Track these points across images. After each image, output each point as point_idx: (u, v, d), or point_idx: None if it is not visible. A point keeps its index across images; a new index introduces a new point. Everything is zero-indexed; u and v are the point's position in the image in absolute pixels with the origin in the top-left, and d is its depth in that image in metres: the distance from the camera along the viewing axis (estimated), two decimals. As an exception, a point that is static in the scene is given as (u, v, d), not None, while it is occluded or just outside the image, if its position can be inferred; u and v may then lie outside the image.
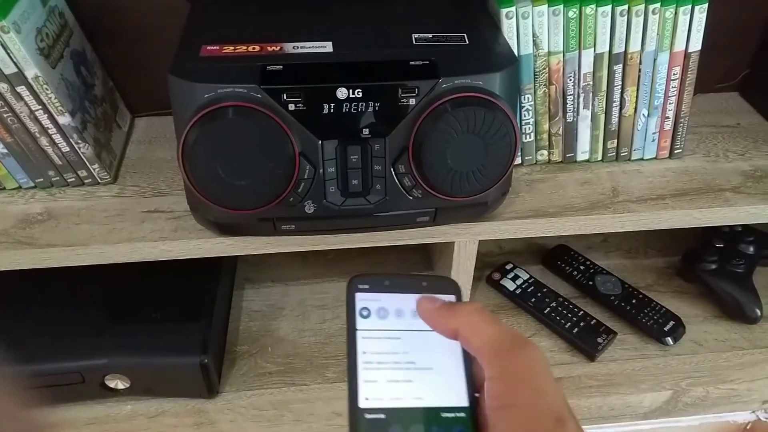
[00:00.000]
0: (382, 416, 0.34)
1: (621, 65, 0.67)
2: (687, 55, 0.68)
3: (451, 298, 0.38)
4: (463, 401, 0.35)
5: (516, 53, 0.64)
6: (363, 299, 0.38)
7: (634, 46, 0.66)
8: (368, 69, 0.55)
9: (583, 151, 0.73)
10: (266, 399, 0.75)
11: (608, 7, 0.64)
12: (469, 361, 0.36)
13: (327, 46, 0.58)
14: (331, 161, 0.57)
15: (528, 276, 0.88)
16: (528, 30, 0.64)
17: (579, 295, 0.88)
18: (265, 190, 0.55)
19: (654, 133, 0.73)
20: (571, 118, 0.70)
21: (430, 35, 0.60)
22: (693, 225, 0.70)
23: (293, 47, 0.58)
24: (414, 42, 0.59)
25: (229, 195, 0.55)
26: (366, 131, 0.56)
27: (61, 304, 0.74)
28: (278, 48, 0.58)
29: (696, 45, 0.67)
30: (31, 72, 0.60)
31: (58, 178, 0.69)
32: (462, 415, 0.34)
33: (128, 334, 0.71)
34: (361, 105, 0.54)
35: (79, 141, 0.66)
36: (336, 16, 0.65)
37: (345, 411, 0.34)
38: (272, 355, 0.80)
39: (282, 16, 0.64)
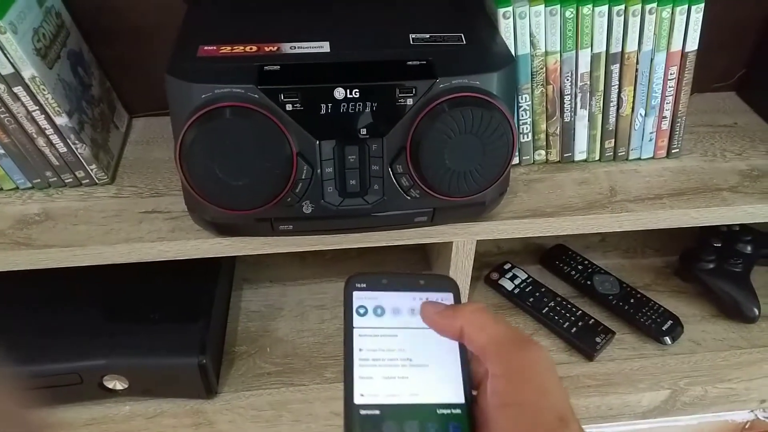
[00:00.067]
0: (377, 412, 0.34)
1: (618, 65, 0.67)
2: (684, 54, 0.68)
3: (449, 295, 0.39)
4: (459, 398, 0.35)
5: (513, 53, 0.64)
6: (360, 297, 0.38)
7: (631, 45, 0.66)
8: (365, 69, 0.55)
9: (580, 150, 0.73)
10: (265, 399, 0.75)
11: (605, 7, 0.64)
12: (466, 357, 0.36)
13: (324, 47, 0.58)
14: (329, 161, 0.57)
15: (526, 276, 0.88)
16: (525, 30, 0.64)
17: (577, 295, 0.88)
18: (262, 191, 0.55)
19: (651, 133, 0.73)
20: (569, 118, 0.71)
21: (428, 35, 0.60)
22: (691, 224, 0.70)
23: (290, 47, 0.58)
24: (411, 42, 0.59)
25: (226, 195, 0.55)
26: (363, 131, 0.56)
27: (59, 305, 0.74)
28: (275, 48, 0.58)
29: (693, 45, 0.67)
30: (27, 72, 0.60)
31: (55, 178, 0.69)
32: (458, 411, 0.35)
33: (126, 334, 0.71)
34: (359, 105, 0.54)
35: (77, 141, 0.66)
36: (333, 16, 0.65)
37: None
38: (271, 356, 0.80)
39: (279, 17, 0.64)
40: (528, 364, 0.33)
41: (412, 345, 0.37)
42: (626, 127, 0.72)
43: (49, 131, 0.65)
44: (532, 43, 0.65)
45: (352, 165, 0.57)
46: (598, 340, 0.80)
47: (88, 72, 0.74)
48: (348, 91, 0.54)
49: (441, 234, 0.66)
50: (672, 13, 0.65)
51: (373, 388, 0.35)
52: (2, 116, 0.63)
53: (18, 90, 0.61)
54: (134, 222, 0.66)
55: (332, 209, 0.59)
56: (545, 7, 0.63)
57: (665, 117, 0.72)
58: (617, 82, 0.68)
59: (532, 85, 0.68)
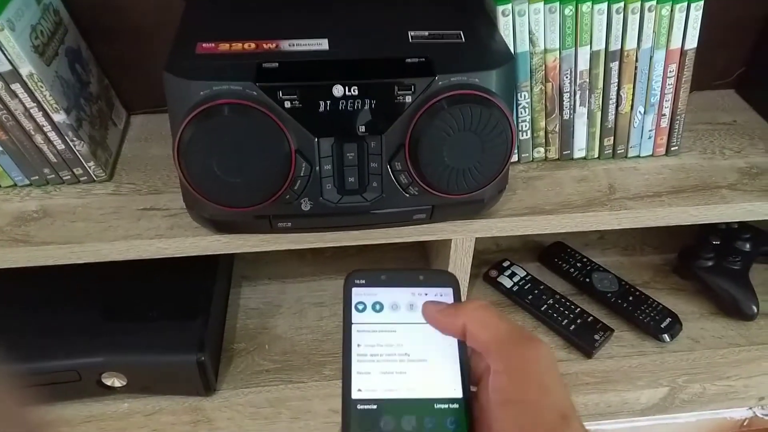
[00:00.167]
0: (374, 407, 0.34)
1: (617, 63, 0.67)
2: (683, 52, 0.68)
3: (449, 290, 0.39)
4: (457, 392, 0.35)
5: (512, 51, 0.64)
6: (359, 294, 0.38)
7: (631, 43, 0.66)
8: (364, 66, 0.55)
9: (579, 148, 0.73)
10: (263, 396, 0.75)
11: (604, 5, 0.64)
12: (464, 353, 0.37)
13: (323, 44, 0.58)
14: (328, 159, 0.57)
15: (525, 273, 0.88)
16: (524, 27, 0.64)
17: (576, 292, 0.88)
18: (261, 188, 0.55)
19: (650, 131, 0.73)
20: (568, 116, 0.70)
21: (426, 33, 0.60)
22: (689, 222, 0.70)
23: (289, 45, 0.58)
24: (410, 39, 0.59)
25: (225, 192, 0.55)
26: (362, 129, 0.56)
27: (58, 302, 0.74)
28: (274, 45, 0.57)
29: (692, 42, 0.67)
30: (25, 69, 0.60)
31: (53, 175, 0.69)
32: (455, 406, 0.35)
33: (125, 332, 0.71)
34: (357, 102, 0.54)
35: (75, 138, 0.66)
36: (332, 13, 0.65)
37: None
38: (269, 353, 0.80)
39: (278, 14, 0.64)
40: (530, 361, 0.33)
41: (411, 340, 0.37)
42: (625, 124, 0.72)
43: (47, 128, 0.65)
44: (531, 41, 0.65)
45: (350, 162, 0.57)
46: (596, 337, 0.80)
47: (86, 69, 0.74)
48: (347, 88, 0.53)
49: (440, 231, 0.66)
50: (671, 10, 0.65)
51: (371, 383, 0.35)
52: (0, 113, 0.62)
53: (16, 87, 0.61)
54: (132, 219, 0.66)
55: (331, 206, 0.59)
56: (544, 4, 0.63)
57: (664, 115, 0.72)
58: (616, 80, 0.68)
59: (531, 83, 0.68)
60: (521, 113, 0.69)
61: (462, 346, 0.37)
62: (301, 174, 0.56)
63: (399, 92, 0.54)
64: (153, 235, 0.64)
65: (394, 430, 0.34)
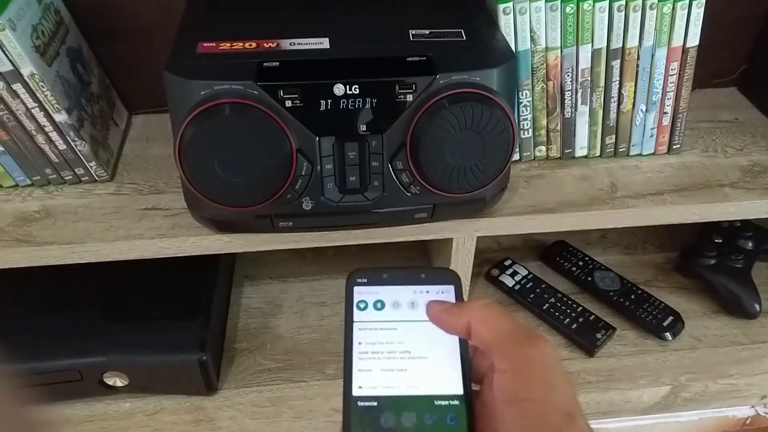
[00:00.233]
0: (375, 404, 0.34)
1: (619, 61, 0.67)
2: (685, 50, 0.67)
3: (450, 288, 0.39)
4: (458, 389, 0.35)
5: (513, 49, 0.64)
6: (361, 292, 0.38)
7: (632, 41, 0.66)
8: (365, 65, 0.55)
9: (581, 146, 0.73)
10: (265, 396, 0.75)
11: (605, 3, 0.64)
12: (465, 350, 0.37)
13: (324, 43, 0.58)
14: (329, 158, 0.56)
15: (527, 272, 0.88)
16: (525, 26, 0.64)
17: (578, 291, 0.88)
18: (262, 187, 0.55)
19: (652, 129, 0.73)
20: (569, 114, 0.70)
21: (428, 31, 0.60)
22: (691, 220, 0.70)
23: (290, 44, 0.58)
24: (411, 38, 0.59)
25: (226, 192, 0.55)
26: (363, 128, 0.56)
27: (59, 302, 0.74)
28: (275, 44, 0.57)
29: (694, 40, 0.67)
30: (26, 69, 0.60)
31: (55, 175, 0.69)
32: (456, 402, 0.35)
33: (126, 331, 0.71)
34: (358, 101, 0.54)
35: (76, 138, 0.66)
36: (333, 12, 0.65)
37: None
38: (271, 352, 0.80)
39: (278, 13, 0.64)
40: (535, 359, 0.33)
41: (412, 338, 0.37)
42: (627, 123, 0.72)
43: (49, 128, 0.65)
44: (532, 39, 0.65)
45: (351, 161, 0.57)
46: (598, 336, 0.80)
47: (88, 69, 0.74)
48: (348, 87, 0.53)
49: (441, 230, 0.66)
50: (673, 8, 0.64)
51: (372, 380, 0.35)
52: (1, 113, 0.63)
53: (17, 87, 0.61)
54: (134, 219, 0.66)
55: (332, 206, 0.59)
56: (545, 2, 0.63)
57: (666, 113, 0.72)
58: (618, 78, 0.68)
59: (532, 81, 0.68)
60: (523, 112, 0.69)
61: (463, 343, 0.37)
62: (303, 173, 0.56)
63: (400, 91, 0.54)
64: (154, 234, 0.64)
65: (394, 426, 0.34)
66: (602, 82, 0.68)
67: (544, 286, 0.86)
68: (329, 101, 0.54)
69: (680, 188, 0.70)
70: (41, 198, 0.69)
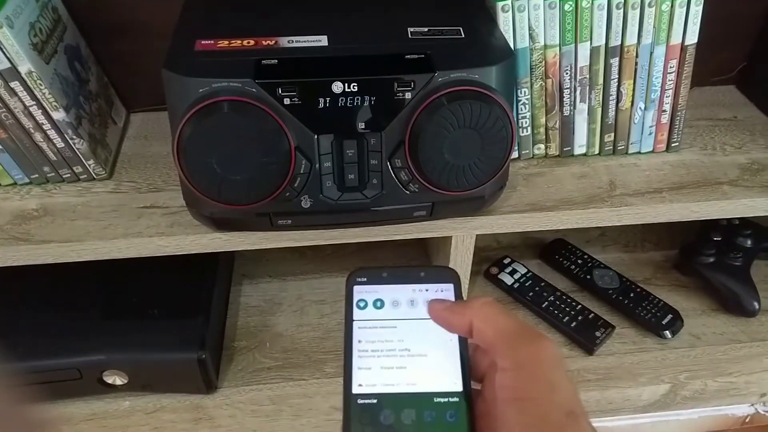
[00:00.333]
0: (374, 401, 0.35)
1: (617, 58, 0.67)
2: (683, 48, 0.67)
3: (449, 286, 0.39)
4: (457, 386, 0.35)
5: (512, 47, 0.64)
6: (360, 291, 0.39)
7: (631, 39, 0.66)
8: (364, 63, 0.55)
9: (580, 144, 0.73)
10: (265, 394, 0.75)
11: (604, 0, 0.64)
12: (465, 347, 0.37)
13: (322, 40, 0.58)
14: (327, 156, 0.56)
15: (526, 270, 0.88)
16: (524, 23, 0.64)
17: (577, 289, 0.88)
18: (260, 185, 0.55)
19: (651, 127, 0.73)
20: (568, 112, 0.70)
21: (426, 29, 0.60)
22: (690, 218, 0.70)
23: (288, 41, 0.58)
24: (410, 36, 0.59)
25: (224, 190, 0.55)
26: (362, 125, 0.55)
27: (58, 301, 0.74)
28: (273, 42, 0.57)
29: (692, 38, 0.67)
30: (24, 67, 0.60)
31: (53, 174, 0.69)
32: (455, 399, 0.35)
33: (126, 330, 0.71)
34: (357, 99, 0.54)
35: (74, 137, 0.66)
36: (331, 9, 0.65)
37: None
38: (270, 351, 0.80)
39: (277, 10, 0.64)
40: (537, 358, 0.33)
41: (411, 336, 0.37)
42: (626, 120, 0.72)
43: (47, 126, 0.65)
44: (531, 37, 0.65)
45: (350, 159, 0.57)
46: (597, 334, 0.80)
47: (86, 67, 0.73)
48: (346, 85, 0.53)
49: (440, 228, 0.66)
50: (671, 6, 0.64)
51: (371, 378, 0.36)
52: (-1, 111, 0.63)
53: (15, 85, 0.61)
54: (132, 217, 0.66)
55: (331, 204, 0.59)
56: (544, 0, 0.63)
57: (665, 111, 0.72)
58: (617, 76, 0.68)
59: (531, 79, 0.68)
60: (521, 110, 0.69)
61: (462, 341, 0.37)
62: (301, 171, 0.56)
63: (399, 89, 0.54)
64: (153, 233, 0.64)
65: (393, 423, 0.34)
66: (601, 80, 0.68)
67: (543, 284, 0.86)
68: (328, 99, 0.54)
69: (679, 186, 0.70)
70: (39, 196, 0.69)
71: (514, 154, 0.73)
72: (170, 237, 0.64)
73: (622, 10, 0.64)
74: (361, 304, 0.38)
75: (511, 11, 0.63)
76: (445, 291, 0.39)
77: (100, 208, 0.67)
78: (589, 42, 0.66)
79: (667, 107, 0.71)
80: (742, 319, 0.84)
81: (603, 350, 0.80)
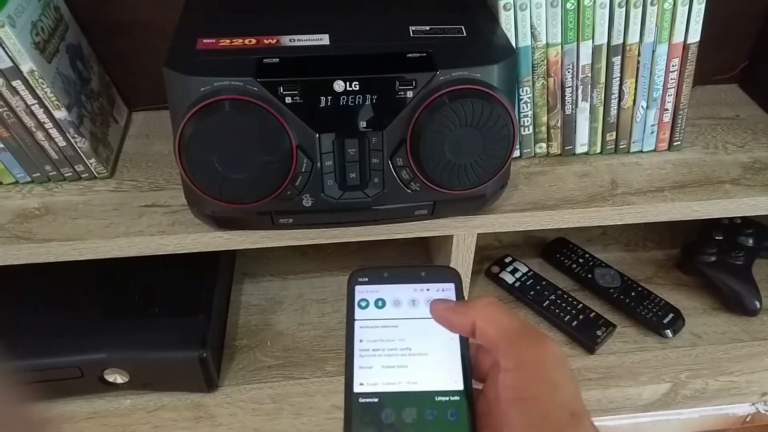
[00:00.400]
0: (376, 400, 0.35)
1: (619, 57, 0.67)
2: (686, 46, 0.67)
3: (450, 286, 0.39)
4: (458, 385, 0.36)
5: (514, 45, 0.64)
6: (362, 291, 0.39)
7: (633, 37, 0.66)
8: (365, 61, 0.55)
9: (581, 143, 0.73)
10: (265, 393, 0.75)
11: (607, -1, 0.64)
12: (466, 346, 0.37)
13: (324, 39, 0.58)
14: (329, 154, 0.56)
15: (527, 269, 0.88)
16: (526, 22, 0.64)
17: (578, 288, 0.88)
18: (262, 184, 0.55)
19: (653, 125, 0.72)
20: (570, 111, 0.70)
21: (428, 27, 0.60)
22: (692, 217, 0.70)
23: (290, 40, 0.57)
24: (411, 34, 0.59)
25: (226, 189, 0.55)
26: (363, 124, 0.55)
27: (60, 299, 0.74)
28: (275, 41, 0.57)
29: (695, 36, 0.67)
30: (26, 66, 0.60)
31: (55, 172, 0.69)
32: (456, 398, 0.35)
33: (127, 328, 0.71)
34: (358, 98, 0.54)
35: (76, 135, 0.66)
36: (333, 8, 0.65)
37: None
38: (271, 349, 0.80)
39: (278, 9, 0.64)
40: (540, 358, 0.33)
41: (412, 335, 0.37)
42: (628, 119, 0.71)
43: (48, 125, 0.65)
44: (533, 35, 0.65)
45: (352, 158, 0.57)
46: (599, 333, 0.80)
47: (87, 66, 0.73)
48: (348, 83, 0.53)
49: (441, 227, 0.66)
50: (674, 4, 0.64)
51: (373, 377, 0.36)
52: (1, 110, 0.62)
53: (17, 84, 0.61)
54: (134, 216, 0.66)
55: (332, 202, 0.59)
56: (546, -2, 0.63)
57: (667, 109, 0.71)
58: (619, 75, 0.68)
59: (533, 78, 0.67)
60: (523, 108, 0.69)
61: (463, 340, 0.37)
62: (303, 170, 0.56)
63: (400, 87, 0.54)
64: (154, 231, 0.64)
65: (394, 422, 0.34)
66: (603, 79, 0.68)
67: (544, 283, 0.86)
68: (329, 98, 0.54)
69: (681, 185, 0.70)
70: (41, 195, 0.69)
71: (516, 153, 0.73)
72: (171, 236, 0.64)
73: (624, 8, 0.64)
74: (363, 304, 0.38)
75: (513, 9, 0.63)
76: (446, 290, 0.39)
77: (102, 207, 0.67)
78: (591, 40, 0.66)
79: (669, 106, 0.71)
80: (744, 318, 0.84)
81: (604, 349, 0.80)
